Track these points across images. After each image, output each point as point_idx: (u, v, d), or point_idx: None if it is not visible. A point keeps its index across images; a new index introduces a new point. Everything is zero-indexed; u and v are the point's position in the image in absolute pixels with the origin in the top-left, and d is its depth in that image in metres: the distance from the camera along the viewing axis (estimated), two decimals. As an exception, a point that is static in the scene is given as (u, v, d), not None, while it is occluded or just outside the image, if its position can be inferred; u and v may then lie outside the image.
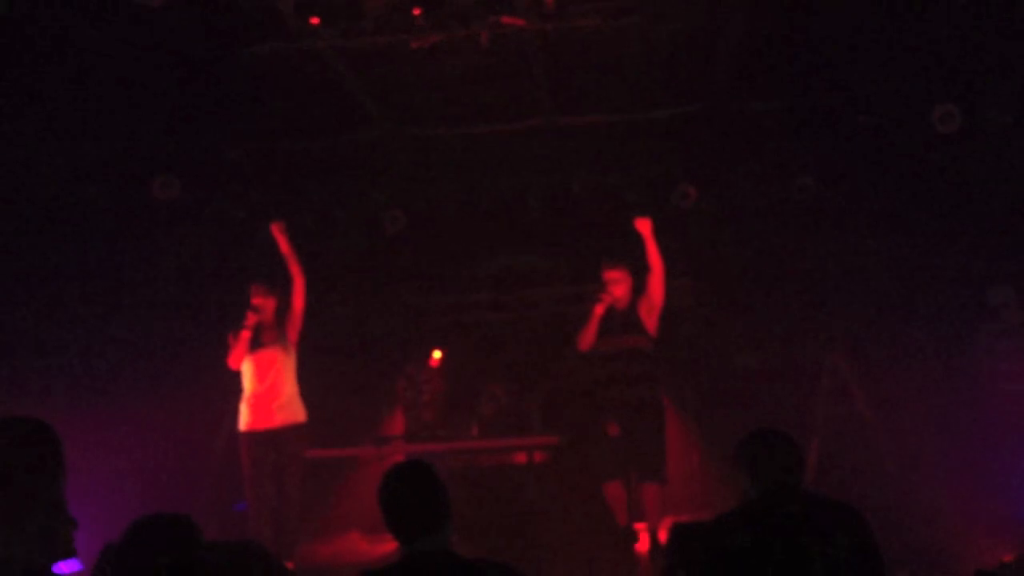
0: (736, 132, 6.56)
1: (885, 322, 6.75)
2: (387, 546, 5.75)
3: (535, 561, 5.05)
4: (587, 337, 5.85)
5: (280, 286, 5.57)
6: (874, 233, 6.84)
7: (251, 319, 5.41)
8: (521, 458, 6.73)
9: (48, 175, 5.65)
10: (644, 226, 5.73)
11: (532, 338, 7.93)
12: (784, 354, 7.37)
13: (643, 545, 5.72)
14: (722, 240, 7.56)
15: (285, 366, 5.49)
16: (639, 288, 5.89)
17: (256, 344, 5.47)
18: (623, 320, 5.84)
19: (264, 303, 5.47)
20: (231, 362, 5.47)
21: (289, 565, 4.96)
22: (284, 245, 5.50)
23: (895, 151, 6.29)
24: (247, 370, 5.49)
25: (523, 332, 8.03)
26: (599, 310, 5.79)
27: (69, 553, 1.83)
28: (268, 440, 5.38)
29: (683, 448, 7.43)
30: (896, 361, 6.54)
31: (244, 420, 5.46)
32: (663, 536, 5.14)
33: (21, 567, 1.71)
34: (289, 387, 5.49)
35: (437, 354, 7.42)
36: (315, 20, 4.85)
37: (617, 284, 5.82)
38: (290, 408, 5.46)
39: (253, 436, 5.40)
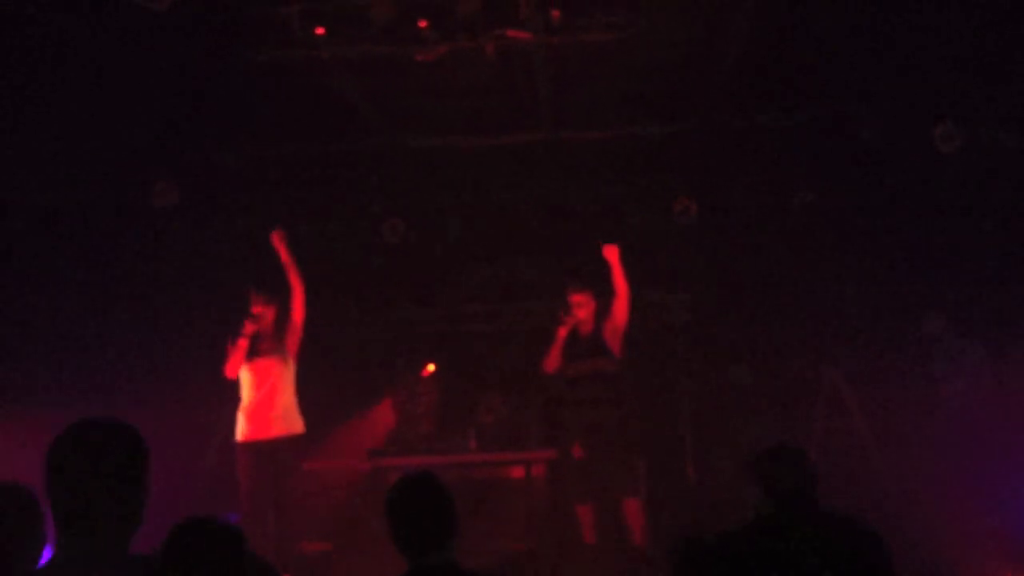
0: (736, 147, 6.59)
1: (884, 338, 6.76)
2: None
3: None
4: (551, 360, 5.96)
5: (280, 295, 5.52)
6: (874, 249, 6.87)
7: (248, 328, 5.36)
8: (519, 472, 6.70)
9: (47, 179, 5.61)
10: (611, 253, 5.81)
11: (529, 350, 7.91)
12: (782, 369, 7.37)
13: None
14: (721, 255, 7.57)
15: (283, 376, 5.43)
16: (603, 311, 5.92)
17: (254, 353, 5.41)
18: (588, 343, 5.92)
19: (263, 312, 5.41)
20: (227, 370, 5.41)
21: (285, 577, 4.91)
22: (284, 254, 5.46)
23: (896, 168, 6.32)
24: (244, 379, 5.43)
25: (520, 343, 8.01)
26: (562, 332, 5.88)
27: None
28: (265, 451, 5.32)
29: (677, 464, 7.43)
30: (895, 377, 6.54)
31: (241, 430, 5.40)
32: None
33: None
34: (287, 397, 5.43)
35: (431, 366, 7.39)
36: (320, 30, 4.86)
37: (581, 307, 5.88)
38: (287, 419, 5.40)
39: (250, 446, 5.33)
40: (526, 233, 7.55)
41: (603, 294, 5.93)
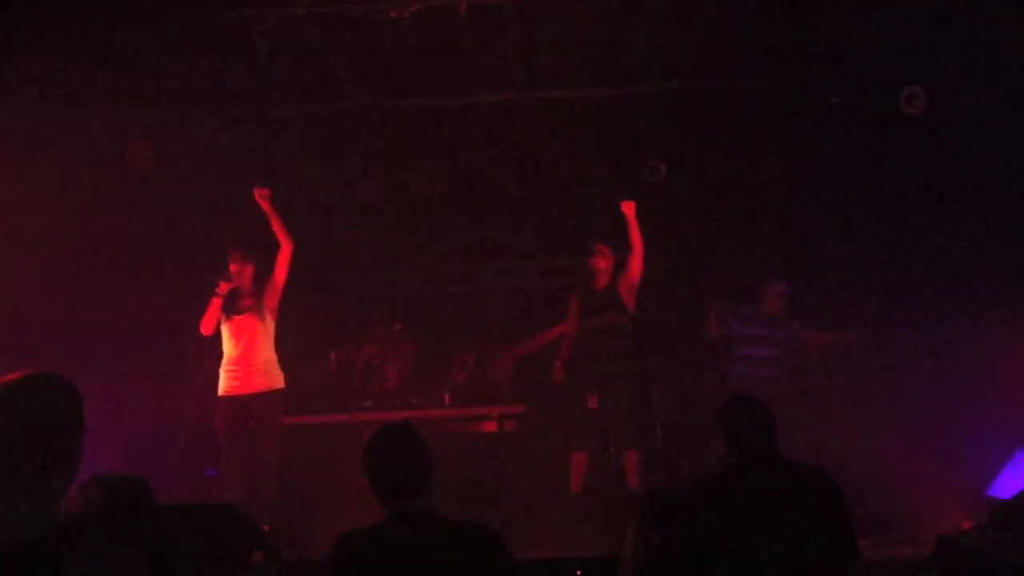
0: (708, 110, 6.66)
1: (846, 294, 6.94)
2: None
3: (505, 523, 5.17)
4: (570, 322, 6.30)
5: (259, 253, 5.57)
6: (841, 211, 7.02)
7: (223, 286, 5.42)
8: (492, 426, 6.85)
9: (24, 134, 5.57)
10: (628, 208, 5.99)
11: (503, 308, 8.03)
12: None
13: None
14: (691, 216, 7.68)
15: (261, 332, 5.51)
16: (619, 267, 6.13)
17: (232, 310, 5.48)
18: (604, 298, 6.12)
19: (240, 269, 5.47)
20: (202, 327, 5.48)
21: (266, 528, 5.02)
22: (268, 210, 5.49)
23: (863, 131, 6.44)
24: (225, 335, 5.51)
25: (494, 303, 8.12)
26: (574, 301, 6.23)
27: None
28: (245, 405, 5.41)
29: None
30: (859, 333, 6.70)
31: (222, 385, 5.49)
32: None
33: (51, 526, 1.75)
34: (266, 353, 5.52)
35: (397, 326, 7.45)
36: (295, -13, 4.86)
37: (600, 257, 6.12)
38: (267, 374, 5.49)
39: (230, 401, 5.43)
40: (501, 193, 7.61)
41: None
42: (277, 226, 5.50)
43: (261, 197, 5.47)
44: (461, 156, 7.34)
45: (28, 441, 1.77)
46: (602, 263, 6.11)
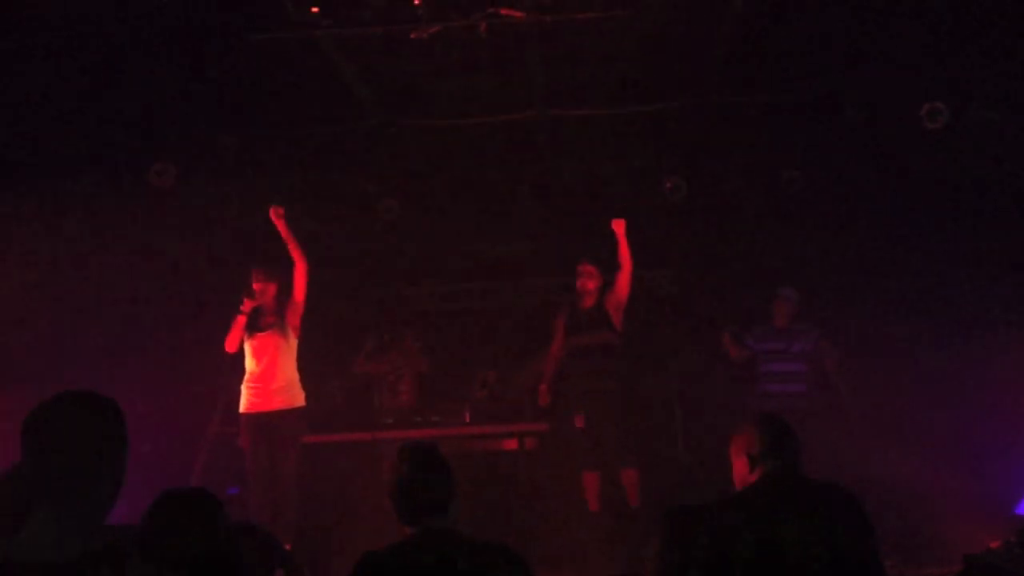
0: (725, 125, 6.66)
1: (871, 312, 6.88)
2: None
3: (525, 544, 5.14)
4: (557, 341, 6.32)
5: (281, 272, 5.62)
6: (860, 226, 6.98)
7: (246, 304, 5.49)
8: (512, 444, 6.84)
9: (47, 160, 5.65)
10: (619, 226, 5.99)
11: (522, 326, 8.03)
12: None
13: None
14: (709, 232, 7.67)
15: (283, 350, 5.55)
16: (607, 285, 6.15)
17: (255, 328, 5.54)
18: (590, 317, 6.14)
19: (263, 288, 5.53)
20: (227, 345, 5.57)
21: (287, 547, 5.03)
22: (283, 230, 5.55)
23: (882, 145, 6.41)
24: (247, 353, 5.57)
25: (513, 320, 8.13)
26: (560, 321, 6.25)
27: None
28: (266, 423, 5.45)
29: (667, 437, 7.59)
30: (881, 350, 6.65)
31: (243, 402, 5.55)
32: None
33: (98, 543, 1.77)
34: (287, 371, 5.56)
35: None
36: (315, 9, 4.91)
37: (588, 278, 6.15)
38: (288, 392, 5.53)
39: (252, 418, 5.47)
40: (518, 211, 7.63)
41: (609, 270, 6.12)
42: (292, 245, 5.56)
43: (276, 216, 5.52)
44: (480, 174, 7.38)
45: (76, 458, 1.80)
46: (589, 283, 6.14)
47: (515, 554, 2.50)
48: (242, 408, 5.53)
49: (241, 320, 5.49)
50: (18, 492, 2.38)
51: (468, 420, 6.80)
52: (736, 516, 2.86)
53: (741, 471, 3.01)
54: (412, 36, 5.07)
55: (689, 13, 5.26)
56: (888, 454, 6.04)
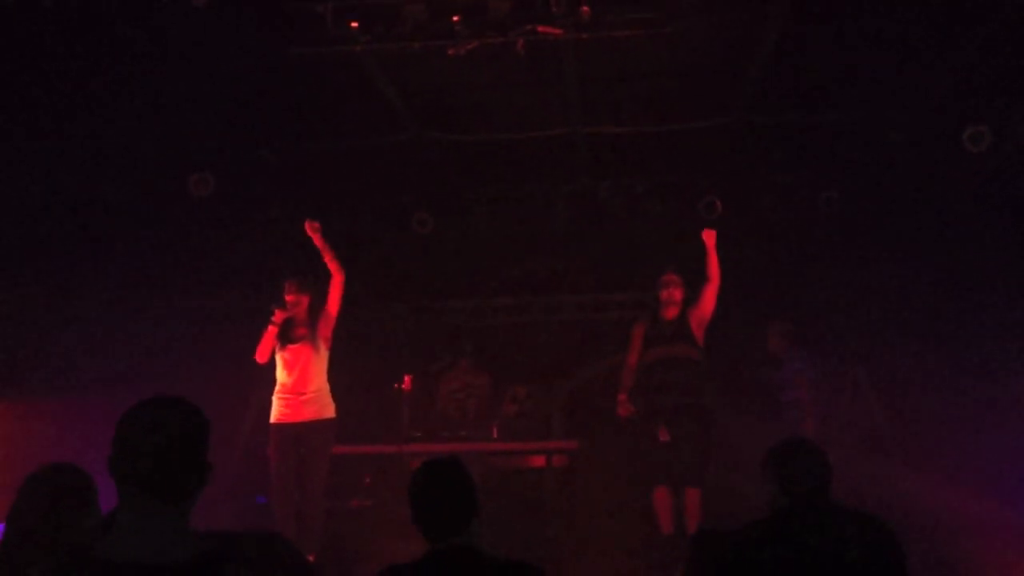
0: (764, 145, 6.60)
1: (908, 336, 6.75)
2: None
3: (552, 563, 5.10)
4: (632, 353, 6.06)
5: (313, 283, 5.66)
6: (900, 249, 6.86)
7: (279, 315, 5.51)
8: (539, 461, 6.79)
9: (86, 171, 5.76)
10: (709, 237, 5.88)
11: (555, 342, 8.01)
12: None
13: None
14: (747, 252, 7.59)
15: (314, 362, 5.57)
16: (691, 299, 5.98)
17: (287, 339, 5.57)
18: (674, 329, 5.93)
19: (296, 300, 5.56)
20: (258, 355, 5.58)
21: (311, 559, 5.03)
22: (319, 243, 5.58)
23: (923, 168, 6.31)
24: (278, 364, 5.60)
25: (546, 336, 8.11)
26: (638, 331, 6.05)
27: None
28: (295, 434, 5.47)
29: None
30: (920, 376, 6.53)
31: (274, 413, 5.57)
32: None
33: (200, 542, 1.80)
34: (318, 382, 5.58)
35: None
36: (354, 24, 4.96)
37: (671, 288, 5.96)
38: (318, 403, 5.54)
39: (281, 429, 5.49)
40: (552, 227, 7.62)
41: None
42: (328, 257, 5.58)
43: (312, 230, 5.56)
44: (515, 189, 7.39)
45: (177, 462, 1.82)
46: (676, 293, 5.93)
47: (537, 570, 2.47)
48: (272, 419, 5.55)
49: (272, 331, 5.52)
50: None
51: (496, 435, 6.77)
52: (765, 543, 2.81)
53: (770, 496, 2.95)
54: (450, 53, 5.09)
55: (727, 32, 5.23)
56: (928, 484, 5.92)
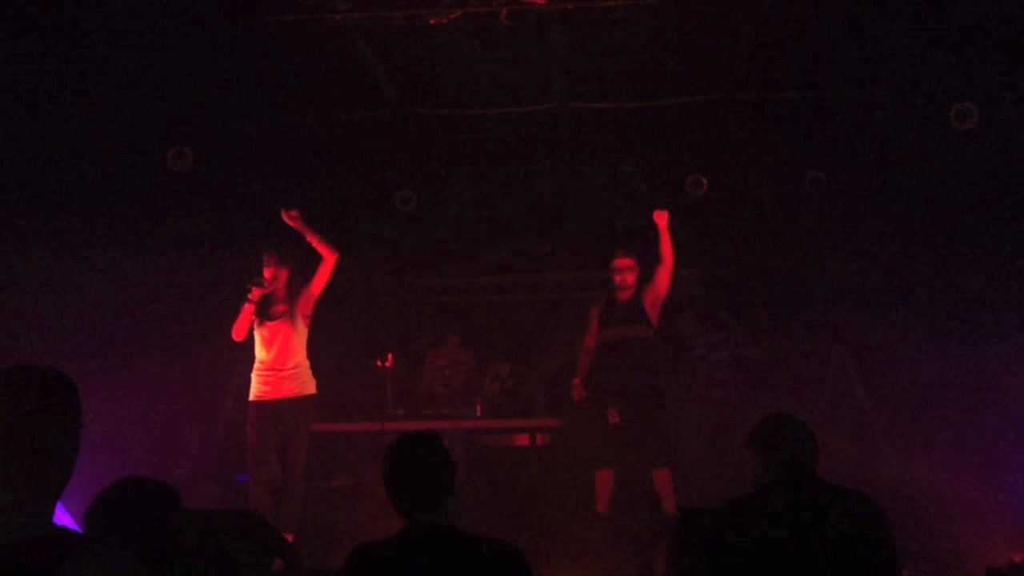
0: (750, 123, 6.54)
1: (894, 317, 6.74)
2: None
3: (533, 541, 5.07)
4: (590, 334, 6.02)
5: (293, 256, 5.53)
6: (885, 228, 6.84)
7: (255, 293, 5.36)
8: (523, 439, 6.76)
9: (63, 143, 5.64)
10: (661, 218, 5.82)
11: (537, 321, 7.97)
12: (789, 346, 7.37)
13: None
14: (732, 230, 7.56)
15: (293, 338, 5.46)
16: (645, 278, 5.94)
17: (265, 316, 5.45)
18: (627, 310, 5.92)
19: (274, 273, 5.43)
20: (234, 333, 5.43)
21: (289, 537, 4.97)
22: (301, 229, 5.44)
23: (908, 147, 6.27)
24: (257, 341, 5.49)
25: (528, 315, 8.06)
26: (594, 311, 6.04)
27: None
28: (275, 410, 5.37)
29: (689, 435, 7.47)
30: (904, 357, 6.53)
31: (253, 390, 5.46)
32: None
33: (44, 526, 1.67)
34: (297, 358, 5.47)
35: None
36: (334, -9, 4.85)
37: (624, 272, 5.91)
38: (298, 380, 5.44)
39: (261, 406, 5.39)
40: (537, 204, 7.55)
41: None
42: (315, 241, 5.44)
43: (291, 219, 5.43)
44: (499, 166, 7.30)
45: (13, 439, 1.67)
46: (628, 276, 5.91)
47: (515, 552, 2.41)
48: (252, 396, 5.44)
49: (249, 309, 5.36)
50: None
51: (479, 414, 6.73)
52: (749, 519, 2.77)
53: (754, 471, 2.92)
54: (432, 22, 4.99)
55: (715, 5, 5.15)
56: (911, 462, 5.92)
